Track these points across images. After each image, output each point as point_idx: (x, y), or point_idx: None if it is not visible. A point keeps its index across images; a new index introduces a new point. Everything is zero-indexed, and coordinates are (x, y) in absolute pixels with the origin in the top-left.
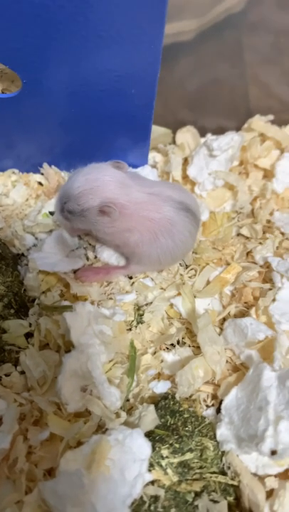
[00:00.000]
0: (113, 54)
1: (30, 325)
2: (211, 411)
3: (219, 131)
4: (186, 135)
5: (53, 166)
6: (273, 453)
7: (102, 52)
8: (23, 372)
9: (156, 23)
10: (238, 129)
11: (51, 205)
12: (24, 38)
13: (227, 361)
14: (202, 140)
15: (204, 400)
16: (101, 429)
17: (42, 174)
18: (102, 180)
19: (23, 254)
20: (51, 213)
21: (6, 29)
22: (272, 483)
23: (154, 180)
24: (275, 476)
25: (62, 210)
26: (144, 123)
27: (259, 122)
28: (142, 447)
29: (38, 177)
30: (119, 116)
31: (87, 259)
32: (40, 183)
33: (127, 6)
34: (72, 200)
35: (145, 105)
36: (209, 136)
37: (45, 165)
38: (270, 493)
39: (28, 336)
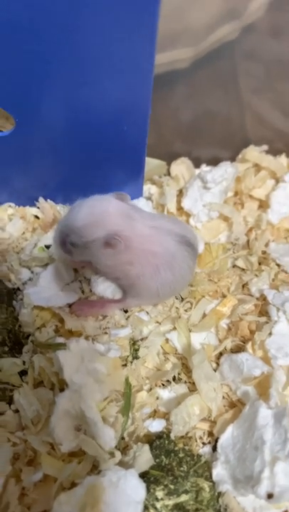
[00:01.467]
0: (103, 94)
1: (24, 363)
2: (207, 449)
3: (214, 161)
4: (181, 167)
5: (48, 200)
6: (270, 496)
7: (92, 91)
8: (17, 411)
9: (145, 63)
10: (232, 159)
11: (47, 238)
12: (15, 80)
13: (223, 397)
14: (197, 171)
15: (200, 438)
16: (96, 468)
17: (38, 208)
18: (108, 212)
19: (18, 289)
20: (47, 247)
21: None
22: None
23: (153, 213)
24: None
25: (64, 243)
26: (138, 158)
27: (253, 152)
28: (137, 489)
29: (34, 210)
30: (112, 151)
31: (83, 292)
32: (36, 217)
33: (116, 47)
34: (76, 233)
35: (138, 141)
36: (203, 168)
37: (41, 199)
38: None
39: (22, 373)
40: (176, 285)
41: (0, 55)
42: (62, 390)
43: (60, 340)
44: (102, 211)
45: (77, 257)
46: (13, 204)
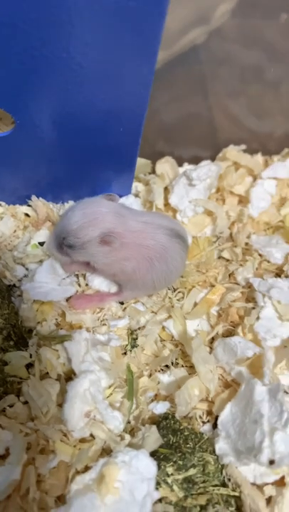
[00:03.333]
0: (103, 95)
1: (30, 356)
2: (207, 427)
3: (195, 160)
4: (165, 165)
5: (40, 198)
6: (271, 462)
7: (92, 93)
8: (25, 403)
9: (146, 66)
10: (212, 158)
11: (40, 235)
12: (11, 81)
13: (219, 378)
14: (180, 169)
15: (200, 417)
16: (105, 452)
17: (29, 206)
18: (100, 212)
19: (14, 285)
20: (40, 244)
21: (5, 77)
22: (270, 491)
23: (141, 210)
24: (272, 483)
25: (61, 246)
26: (130, 157)
27: (233, 152)
28: (149, 467)
29: (24, 209)
30: (106, 151)
31: (79, 285)
32: (27, 215)
33: (117, 54)
34: (72, 235)
35: (132, 141)
36: (187, 166)
37: (34, 197)
38: (268, 501)
39: (28, 366)
40: (170, 276)
41: (6, 65)
42: (68, 380)
43: (63, 332)
44: (95, 211)
45: (75, 257)
46: (3, 203)
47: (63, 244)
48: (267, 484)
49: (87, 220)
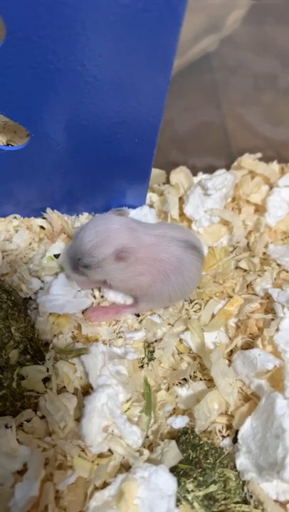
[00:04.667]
0: (118, 107)
1: (47, 370)
2: (227, 441)
3: (209, 169)
4: (180, 175)
5: (55, 210)
6: None
7: (106, 105)
8: (43, 417)
9: (162, 77)
10: (227, 166)
11: (55, 248)
12: (27, 94)
13: (238, 392)
14: (194, 179)
15: (220, 431)
16: (124, 467)
17: (43, 218)
18: (112, 229)
19: (30, 298)
20: (56, 256)
21: (20, 91)
22: None
23: (153, 222)
24: None
25: (77, 267)
26: (145, 168)
27: (248, 160)
28: (168, 483)
29: (39, 221)
30: (120, 162)
31: (94, 297)
32: (42, 227)
33: (133, 60)
34: (87, 255)
35: (146, 152)
36: (202, 176)
37: (49, 209)
38: None
39: (45, 380)
40: (186, 288)
41: (14, 71)
42: (85, 393)
43: (79, 345)
44: (107, 228)
45: (92, 277)
46: (18, 215)
47: (79, 264)
48: None
49: (100, 238)
